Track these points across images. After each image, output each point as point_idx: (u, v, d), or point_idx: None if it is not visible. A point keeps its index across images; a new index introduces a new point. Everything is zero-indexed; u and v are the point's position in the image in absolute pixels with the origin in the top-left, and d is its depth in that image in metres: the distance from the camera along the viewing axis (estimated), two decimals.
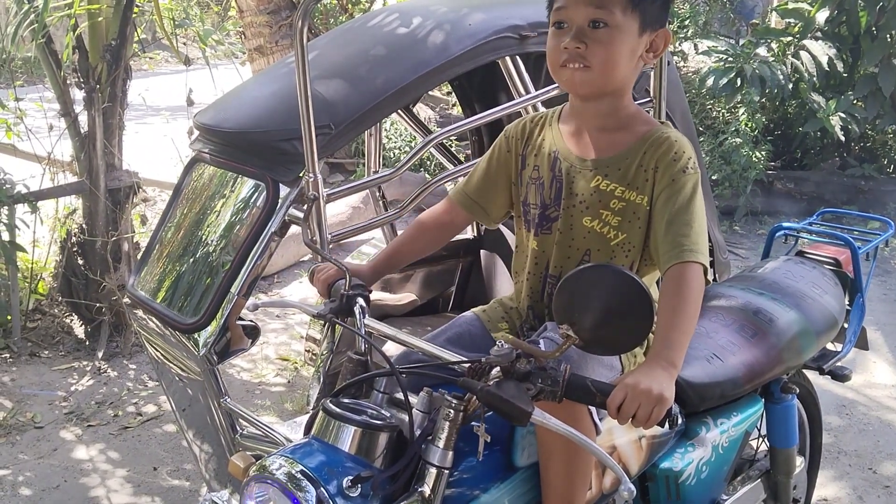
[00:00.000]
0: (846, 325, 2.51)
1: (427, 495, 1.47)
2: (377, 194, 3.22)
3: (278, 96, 2.33)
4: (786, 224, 2.69)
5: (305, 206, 2.05)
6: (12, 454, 3.41)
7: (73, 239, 4.22)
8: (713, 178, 6.33)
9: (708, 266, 1.63)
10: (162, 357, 2.53)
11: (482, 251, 3.61)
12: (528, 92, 2.48)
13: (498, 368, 1.45)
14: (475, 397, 1.46)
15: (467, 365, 1.49)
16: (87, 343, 4.33)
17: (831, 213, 2.77)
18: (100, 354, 4.17)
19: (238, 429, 2.26)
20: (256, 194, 2.22)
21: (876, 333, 4.61)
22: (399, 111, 2.90)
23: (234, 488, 2.56)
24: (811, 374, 2.62)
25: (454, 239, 3.60)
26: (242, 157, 2.28)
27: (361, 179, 2.47)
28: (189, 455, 3.36)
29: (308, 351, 3.80)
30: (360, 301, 1.72)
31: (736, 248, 5.80)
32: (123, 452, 3.43)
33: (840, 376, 2.44)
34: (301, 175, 2.13)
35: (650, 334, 1.46)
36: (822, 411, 2.73)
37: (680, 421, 2.01)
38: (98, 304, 4.19)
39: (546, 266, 1.87)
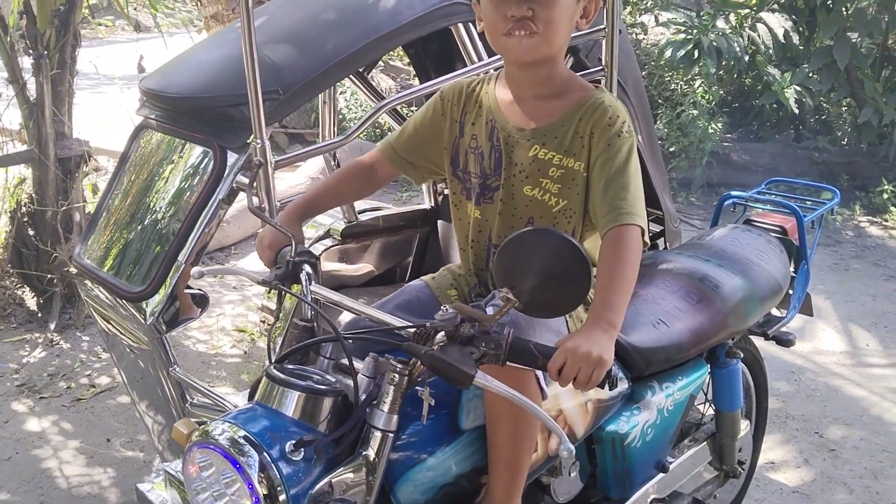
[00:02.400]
0: (791, 292, 2.56)
1: (372, 458, 1.48)
2: (332, 163, 3.19)
3: (226, 61, 2.29)
4: (734, 193, 2.73)
5: (251, 172, 2.03)
6: None
7: (23, 209, 4.14)
8: (670, 150, 6.38)
9: (645, 228, 1.65)
10: (111, 328, 2.50)
11: (439, 221, 3.60)
12: (480, 59, 2.47)
13: (443, 333, 1.46)
14: (419, 362, 1.47)
15: (412, 330, 1.50)
16: (39, 315, 4.26)
17: (780, 183, 2.80)
18: (52, 326, 4.11)
19: (188, 398, 2.25)
20: (204, 161, 2.19)
21: (826, 302, 4.71)
22: (352, 78, 2.87)
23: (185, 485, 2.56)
24: (758, 342, 2.68)
25: (411, 209, 3.65)
26: (189, 123, 2.25)
27: (313, 146, 2.45)
28: (142, 426, 3.34)
29: (263, 321, 3.78)
30: (307, 268, 1.72)
31: (691, 219, 5.87)
32: (76, 424, 3.40)
33: (784, 341, 2.50)
34: (249, 141, 2.11)
35: (590, 297, 1.48)
36: (770, 378, 2.80)
37: (625, 386, 2.04)
38: (50, 276, 4.12)
39: (489, 235, 1.88)
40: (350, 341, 1.56)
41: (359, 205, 3.38)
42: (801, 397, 3.74)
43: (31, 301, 4.36)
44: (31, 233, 4.14)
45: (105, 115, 6.83)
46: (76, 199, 4.07)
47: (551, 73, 1.77)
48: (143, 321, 2.14)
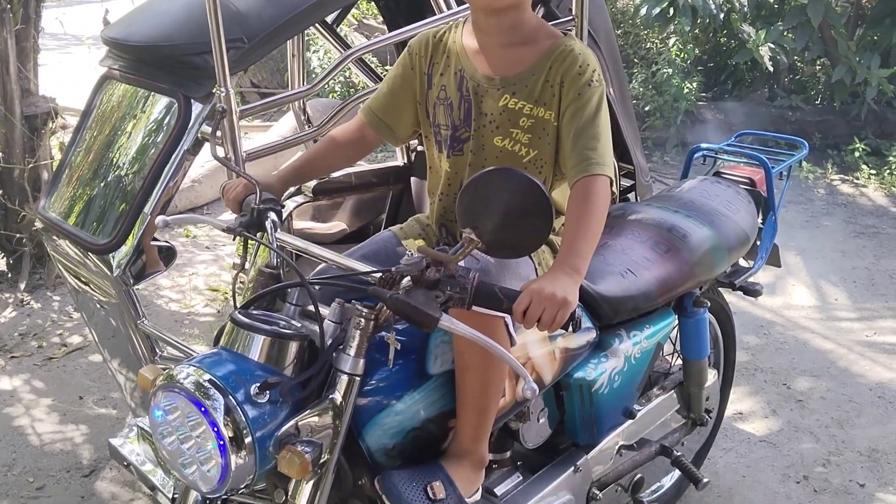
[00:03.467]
0: (759, 243, 2.58)
1: (338, 402, 1.48)
2: (302, 117, 3.16)
3: (190, 9, 2.25)
4: (704, 145, 2.74)
5: (215, 121, 2.00)
6: None
7: None
8: (645, 109, 6.38)
9: (613, 178, 1.66)
10: (79, 283, 2.48)
11: (412, 178, 3.59)
12: (449, 8, 2.44)
13: (408, 278, 1.46)
14: (385, 306, 1.48)
15: (378, 276, 1.50)
16: (9, 275, 4.22)
17: (750, 135, 2.82)
18: (22, 286, 4.07)
19: (158, 351, 2.24)
20: (168, 111, 2.16)
21: (796, 258, 4.77)
22: (319, 28, 2.83)
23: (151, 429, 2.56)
24: (727, 295, 2.72)
25: (384, 166, 3.63)
26: (153, 73, 2.21)
27: (279, 95, 2.42)
28: (115, 384, 3.33)
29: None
30: (272, 215, 1.71)
31: (665, 178, 5.89)
32: (48, 382, 3.39)
33: (751, 291, 2.53)
34: (214, 91, 2.08)
35: (553, 238, 1.48)
36: (739, 331, 2.84)
37: (593, 334, 2.05)
38: (18, 235, 4.07)
39: (459, 186, 1.87)
40: (316, 287, 1.56)
41: None
42: (770, 350, 3.79)
43: (0, 262, 4.31)
44: None
45: (73, 74, 6.70)
46: (43, 157, 4.01)
47: (518, 20, 1.75)
48: (109, 274, 2.12)
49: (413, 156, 3.53)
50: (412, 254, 1.48)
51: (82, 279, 2.38)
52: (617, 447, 2.22)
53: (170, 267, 2.22)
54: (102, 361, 3.49)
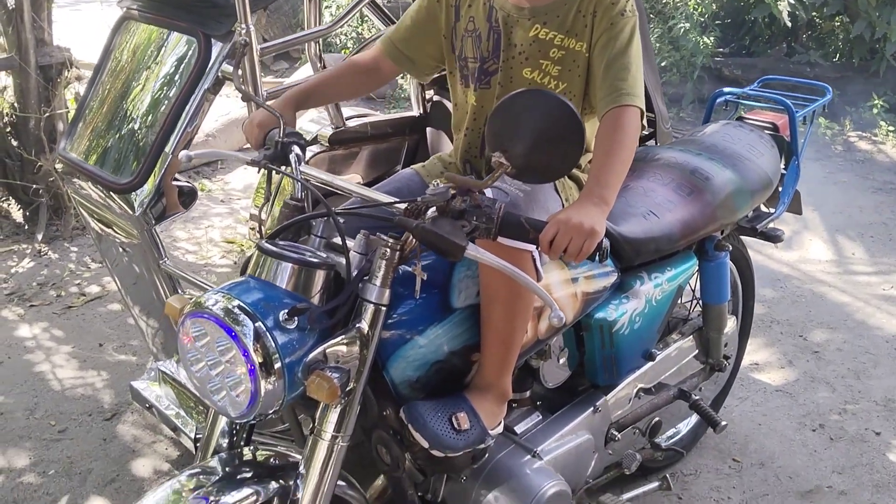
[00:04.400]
0: (781, 188, 2.56)
1: (365, 331, 1.49)
2: (318, 64, 3.13)
3: None
4: (727, 90, 2.71)
5: (237, 56, 1.99)
6: None
7: (6, 119, 4.06)
8: (661, 64, 6.30)
9: (644, 110, 1.64)
10: (101, 227, 2.48)
11: (428, 129, 3.57)
12: None
13: (434, 209, 1.45)
14: (411, 236, 1.47)
15: (404, 207, 1.50)
16: (26, 227, 4.24)
17: (773, 81, 2.78)
18: (39, 237, 4.08)
19: (180, 291, 2.25)
20: (188, 50, 2.14)
21: (813, 214, 4.74)
22: None
23: (180, 356, 2.59)
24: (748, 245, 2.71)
25: (399, 116, 3.61)
26: (172, 12, 2.19)
27: (297, 34, 2.40)
28: (134, 332, 3.37)
29: (252, 229, 3.77)
30: (296, 149, 1.70)
31: (682, 134, 5.84)
32: (67, 330, 3.41)
33: (772, 237, 2.51)
34: (234, 29, 2.06)
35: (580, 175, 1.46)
36: (757, 285, 2.83)
37: (615, 276, 2.05)
38: (35, 186, 4.08)
39: (485, 121, 1.85)
40: (341, 219, 1.55)
41: (346, 111, 3.33)
42: (787, 303, 3.79)
43: (17, 213, 4.33)
44: (15, 143, 4.08)
45: (84, 30, 6.66)
46: (59, 107, 4.00)
47: None
48: (131, 213, 2.12)
49: (429, 106, 3.51)
50: (438, 184, 1.47)
51: (105, 221, 2.39)
52: (636, 390, 2.23)
53: (190, 207, 2.22)
54: (121, 310, 3.53)
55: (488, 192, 1.65)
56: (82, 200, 2.42)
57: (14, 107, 4.01)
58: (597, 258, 1.47)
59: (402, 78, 6.87)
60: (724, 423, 2.36)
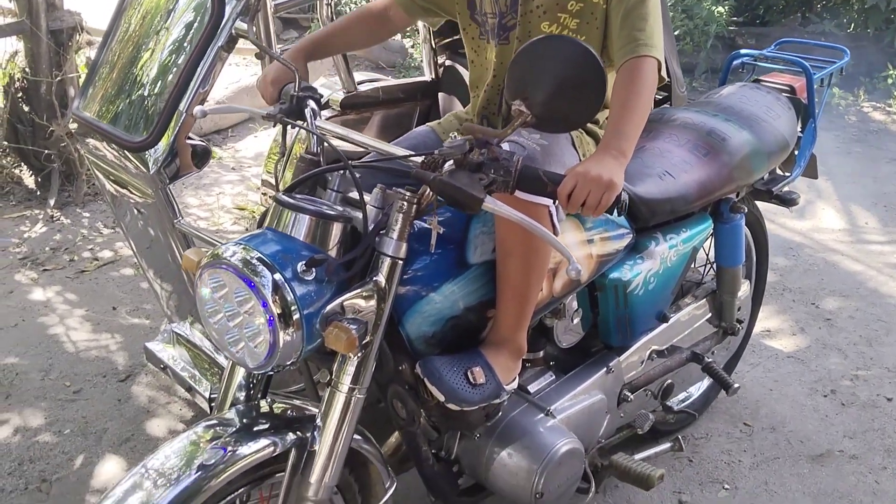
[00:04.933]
0: (797, 152, 2.54)
1: (382, 285, 1.49)
2: (326, 13, 3.10)
3: None
4: (743, 52, 2.68)
5: (251, 5, 1.98)
6: None
7: (17, 84, 4.06)
8: (675, 33, 6.23)
9: (662, 62, 1.62)
10: (116, 187, 2.48)
11: (440, 94, 3.55)
12: None
13: (451, 162, 1.45)
14: (428, 190, 1.47)
15: (420, 160, 1.49)
16: (38, 193, 4.25)
17: (790, 44, 2.75)
18: (51, 202, 4.09)
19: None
20: (201, 8, 2.13)
21: (826, 184, 4.71)
22: None
23: (194, 318, 2.60)
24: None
25: (411, 81, 3.59)
26: None
27: None
28: (147, 296, 3.38)
29: (264, 195, 3.77)
30: (311, 103, 1.70)
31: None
32: (81, 294, 3.43)
33: (787, 200, 2.49)
34: None
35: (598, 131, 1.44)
36: (769, 253, 2.82)
37: (630, 236, 2.04)
38: (47, 151, 4.08)
39: (504, 77, 1.84)
40: (358, 173, 1.55)
41: (358, 77, 3.32)
42: (799, 271, 3.77)
43: (29, 180, 4.34)
44: (26, 108, 4.08)
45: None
46: (70, 72, 3.99)
47: None
48: (146, 172, 2.12)
49: (441, 71, 3.48)
50: (455, 136, 1.46)
51: (119, 182, 2.39)
52: (649, 352, 2.23)
53: (203, 167, 2.22)
54: (134, 275, 3.54)
55: (505, 146, 1.65)
56: (97, 161, 2.42)
57: (25, 72, 4.01)
58: (615, 212, 1.46)
59: (413, 46, 6.83)
60: (736, 385, 2.36)
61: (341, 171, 1.57)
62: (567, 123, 1.44)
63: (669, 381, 2.32)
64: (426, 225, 1.50)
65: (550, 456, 1.79)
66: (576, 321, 2.05)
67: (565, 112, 1.39)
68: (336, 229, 1.49)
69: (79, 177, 4.17)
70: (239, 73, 5.67)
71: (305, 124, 1.66)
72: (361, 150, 1.99)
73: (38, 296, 3.42)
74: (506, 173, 1.42)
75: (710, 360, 2.37)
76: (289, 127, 1.69)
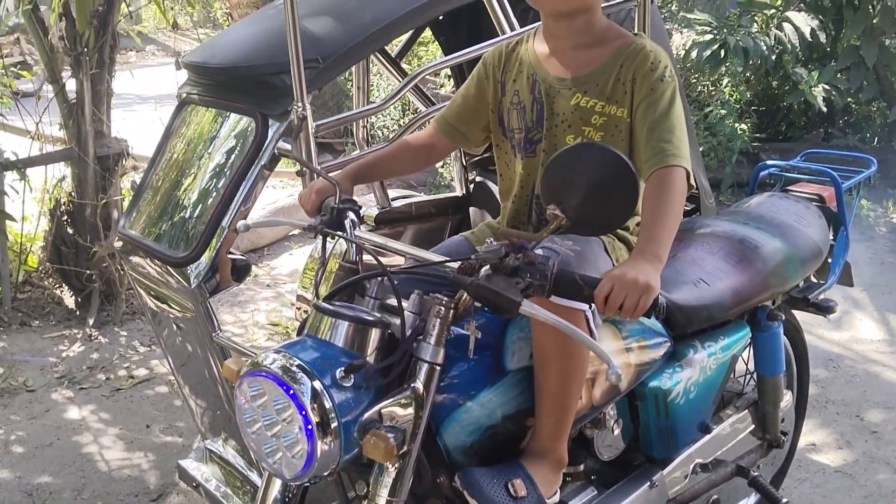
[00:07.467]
0: (830, 260, 2.54)
1: (420, 391, 1.49)
2: (364, 145, 3.23)
3: (266, 33, 2.34)
4: (770, 162, 2.73)
5: (294, 126, 2.07)
6: (4, 415, 3.41)
7: (63, 207, 4.21)
8: (700, 149, 6.36)
9: (690, 171, 1.66)
10: (157, 303, 2.53)
11: (471, 208, 3.63)
12: (512, 29, 2.50)
13: (488, 266, 1.47)
14: (465, 294, 1.49)
15: (457, 265, 1.51)
16: (78, 313, 4.33)
17: (816, 154, 2.80)
18: (91, 321, 4.16)
19: None
20: (246, 130, 2.23)
21: (862, 294, 4.65)
22: (382, 60, 2.91)
23: (228, 435, 2.58)
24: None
25: (443, 197, 3.68)
26: (231, 94, 2.29)
27: (351, 112, 2.49)
28: (181, 413, 3.38)
29: (299, 308, 3.81)
30: (351, 214, 1.75)
31: None
32: (115, 413, 3.44)
33: (825, 308, 2.47)
34: (290, 109, 2.14)
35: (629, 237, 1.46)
36: (809, 364, 2.77)
37: (667, 345, 2.02)
38: (88, 272, 4.19)
39: (532, 188, 1.90)
40: (395, 280, 1.57)
41: (391, 193, 3.41)
42: (841, 383, 3.69)
43: (69, 300, 4.43)
44: (70, 231, 4.22)
45: (137, 128, 6.94)
46: (115, 195, 4.15)
47: (589, 22, 1.79)
48: (188, 286, 2.17)
49: (472, 187, 3.57)
50: (492, 242, 1.49)
51: (161, 298, 2.44)
52: (693, 465, 2.16)
53: (243, 281, 2.27)
54: (168, 392, 3.55)
55: (539, 252, 1.67)
56: (139, 277, 2.48)
57: (71, 195, 4.17)
58: (652, 316, 1.46)
59: (442, 166, 7.02)
60: (785, 500, 2.27)
61: (379, 279, 1.60)
62: (601, 226, 1.46)
63: (715, 496, 2.24)
64: (463, 331, 1.51)
65: None
66: (616, 432, 2.00)
67: (599, 215, 1.42)
68: (374, 335, 1.50)
69: (118, 296, 4.26)
70: (276, 194, 5.85)
71: (345, 234, 1.70)
72: (398, 261, 2.06)
73: (73, 414, 3.43)
74: (542, 277, 1.44)
75: (756, 473, 2.30)
76: (328, 239, 1.73)
